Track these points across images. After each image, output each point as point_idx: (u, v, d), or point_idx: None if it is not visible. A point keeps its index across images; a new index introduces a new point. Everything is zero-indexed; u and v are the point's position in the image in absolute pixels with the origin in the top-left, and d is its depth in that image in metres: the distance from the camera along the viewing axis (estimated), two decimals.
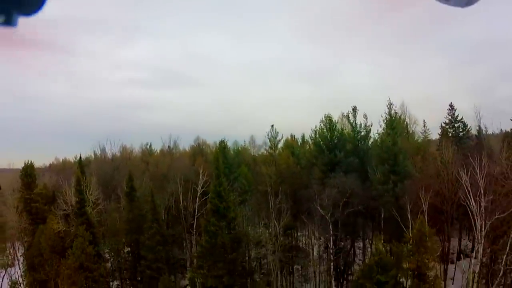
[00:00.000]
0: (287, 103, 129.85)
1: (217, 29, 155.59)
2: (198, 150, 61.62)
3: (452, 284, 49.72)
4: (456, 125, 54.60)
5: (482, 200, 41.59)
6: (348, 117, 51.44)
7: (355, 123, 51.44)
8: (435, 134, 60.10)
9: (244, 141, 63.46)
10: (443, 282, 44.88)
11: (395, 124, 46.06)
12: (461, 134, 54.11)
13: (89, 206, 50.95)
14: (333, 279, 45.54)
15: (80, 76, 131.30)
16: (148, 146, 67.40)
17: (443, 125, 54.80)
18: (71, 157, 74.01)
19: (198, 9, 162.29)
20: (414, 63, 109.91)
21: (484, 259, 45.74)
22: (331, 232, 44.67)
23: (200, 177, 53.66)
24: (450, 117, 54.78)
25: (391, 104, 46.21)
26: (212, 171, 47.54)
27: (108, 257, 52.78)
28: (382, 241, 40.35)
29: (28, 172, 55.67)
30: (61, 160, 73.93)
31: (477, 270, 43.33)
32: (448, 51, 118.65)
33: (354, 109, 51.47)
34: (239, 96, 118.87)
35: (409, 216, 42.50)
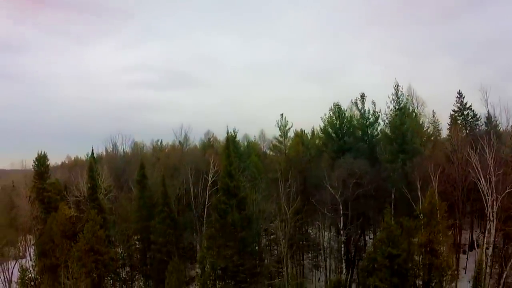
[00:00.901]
0: (295, 103, 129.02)
1: (225, 30, 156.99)
2: (208, 144, 61.69)
3: (465, 273, 48.29)
4: (465, 113, 54.23)
5: (492, 176, 40.86)
6: (356, 104, 51.45)
7: (364, 109, 51.42)
8: (444, 131, 59.22)
9: (254, 136, 63.46)
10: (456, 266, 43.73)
11: (403, 105, 45.87)
12: (470, 120, 53.64)
13: (100, 193, 50.99)
14: (343, 261, 44.65)
15: (91, 78, 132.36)
16: (159, 143, 67.90)
17: (452, 112, 54.51)
18: (82, 155, 74.19)
19: (205, 10, 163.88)
20: (424, 63, 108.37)
21: (496, 243, 44.75)
22: (341, 212, 44.06)
23: (211, 166, 53.55)
24: (458, 104, 54.49)
25: (398, 85, 46.22)
26: (222, 162, 47.34)
27: (118, 244, 52.31)
28: (392, 216, 39.39)
29: (41, 162, 56.02)
30: (72, 158, 74.19)
31: (490, 253, 42.17)
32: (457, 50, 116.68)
33: (362, 96, 51.59)
34: (247, 96, 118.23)
35: (419, 194, 41.77)
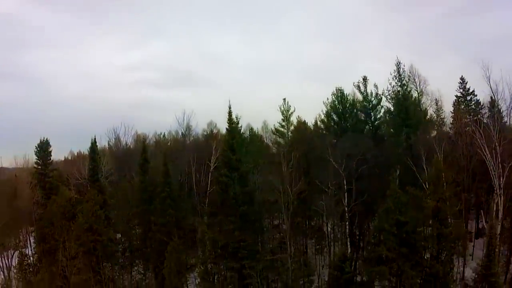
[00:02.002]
0: (300, 101, 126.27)
1: (228, 28, 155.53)
2: (211, 135, 60.24)
3: (472, 259, 45.95)
4: (468, 98, 52.86)
5: (498, 149, 39.11)
6: (359, 87, 50.17)
7: (366, 92, 50.12)
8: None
9: (257, 128, 61.99)
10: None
11: (405, 81, 44.72)
12: (473, 107, 52.18)
13: (102, 175, 49.47)
14: (348, 241, 42.43)
15: (93, 76, 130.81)
16: (162, 136, 66.39)
17: (455, 98, 53.13)
18: (85, 149, 71.70)
19: (209, 9, 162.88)
20: (430, 61, 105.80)
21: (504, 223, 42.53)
22: (345, 187, 42.22)
23: (213, 152, 52.13)
24: (461, 90, 53.16)
25: (400, 63, 45.14)
26: (224, 137, 45.91)
27: (118, 228, 50.13)
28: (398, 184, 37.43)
29: (44, 148, 54.76)
30: (75, 153, 72.37)
31: (498, 232, 39.83)
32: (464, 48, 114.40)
33: (365, 79, 50.25)
34: (251, 95, 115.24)
35: (424, 166, 39.99)
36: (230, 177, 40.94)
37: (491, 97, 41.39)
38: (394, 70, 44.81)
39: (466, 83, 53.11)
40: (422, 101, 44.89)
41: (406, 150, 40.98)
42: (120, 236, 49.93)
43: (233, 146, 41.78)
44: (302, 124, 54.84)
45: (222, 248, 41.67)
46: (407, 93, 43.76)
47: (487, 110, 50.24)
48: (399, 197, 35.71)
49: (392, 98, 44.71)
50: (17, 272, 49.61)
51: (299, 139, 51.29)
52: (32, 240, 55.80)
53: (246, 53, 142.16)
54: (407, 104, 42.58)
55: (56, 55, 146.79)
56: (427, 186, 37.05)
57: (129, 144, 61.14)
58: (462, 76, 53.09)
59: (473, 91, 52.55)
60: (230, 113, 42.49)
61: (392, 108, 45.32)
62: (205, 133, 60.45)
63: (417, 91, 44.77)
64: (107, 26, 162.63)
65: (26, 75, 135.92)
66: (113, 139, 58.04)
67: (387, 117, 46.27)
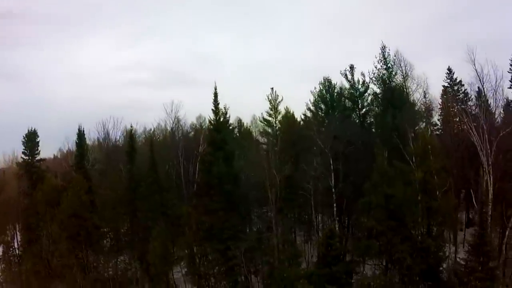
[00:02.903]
0: (293, 102, 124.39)
1: (222, 28, 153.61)
2: (201, 130, 58.92)
3: (463, 247, 44.41)
4: (455, 88, 52.20)
5: (485, 126, 38.09)
6: (346, 75, 49.37)
7: (353, 80, 49.33)
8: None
9: (246, 123, 60.74)
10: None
11: (390, 65, 44.00)
12: (461, 95, 51.43)
13: (88, 163, 48.09)
14: (336, 220, 40.87)
15: (84, 76, 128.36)
16: (151, 131, 64.76)
17: (443, 88, 52.50)
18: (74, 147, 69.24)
19: (202, 8, 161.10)
20: (425, 61, 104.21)
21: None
22: (331, 167, 40.92)
23: (201, 141, 50.96)
24: (449, 80, 52.55)
25: (385, 47, 44.53)
26: (209, 126, 44.67)
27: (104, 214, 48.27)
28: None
29: (31, 138, 53.38)
30: (65, 151, 70.23)
31: (489, 212, 38.43)
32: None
33: (352, 67, 49.45)
34: (245, 95, 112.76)
35: (411, 144, 38.70)
36: (215, 155, 39.68)
37: (477, 75, 40.42)
38: (379, 54, 44.22)
39: (453, 74, 52.60)
40: (408, 85, 43.98)
41: (393, 129, 39.85)
42: (105, 223, 48.00)
43: (218, 125, 40.68)
44: (290, 116, 53.83)
45: (207, 230, 40.18)
46: (392, 75, 43.02)
47: (473, 96, 49.28)
48: (386, 171, 34.57)
49: (377, 80, 43.95)
50: (1, 263, 47.89)
51: (287, 128, 50.32)
52: (18, 235, 53.90)
53: (239, 54, 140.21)
54: (392, 85, 41.86)
55: (47, 55, 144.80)
56: (413, 160, 35.74)
57: (118, 139, 59.31)
58: (449, 66, 52.65)
59: (460, 81, 51.96)
60: (215, 94, 41.48)
61: (378, 90, 44.54)
62: (193, 126, 59.14)
63: (402, 75, 43.92)
64: (99, 26, 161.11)
65: (16, 75, 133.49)
66: (102, 133, 56.47)
67: (373, 100, 45.41)
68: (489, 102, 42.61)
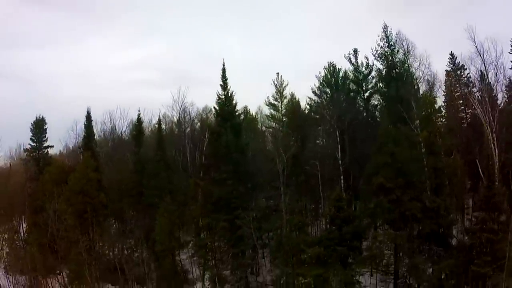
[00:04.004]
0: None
1: (228, 28, 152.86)
2: (207, 123, 59.22)
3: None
4: (458, 72, 52.67)
5: (487, 99, 38.44)
6: (349, 58, 50.14)
7: (357, 63, 50.06)
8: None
9: (252, 113, 60.97)
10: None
11: (392, 42, 44.58)
12: (464, 80, 51.86)
13: (96, 145, 48.38)
14: (343, 186, 40.59)
15: (90, 75, 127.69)
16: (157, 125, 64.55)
17: (445, 72, 52.90)
18: None
19: (208, 7, 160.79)
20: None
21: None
22: (338, 139, 41.13)
23: (206, 139, 51.16)
24: (452, 65, 53.10)
25: (386, 26, 45.25)
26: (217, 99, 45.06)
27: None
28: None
29: (39, 125, 53.83)
30: (71, 147, 69.93)
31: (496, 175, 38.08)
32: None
33: (355, 51, 50.33)
34: (250, 95, 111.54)
35: (414, 107, 38.58)
36: (223, 127, 39.98)
37: (477, 50, 41.05)
38: (381, 32, 44.90)
39: (455, 58, 53.17)
40: (410, 61, 44.45)
41: (397, 101, 40.06)
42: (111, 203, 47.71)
43: (226, 99, 41.14)
44: (296, 102, 54.32)
45: (214, 203, 39.97)
46: (395, 52, 43.62)
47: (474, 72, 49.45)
48: (391, 131, 34.76)
49: (380, 56, 44.52)
50: (7, 246, 47.54)
51: (292, 112, 50.73)
52: (24, 222, 53.65)
53: (245, 53, 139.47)
54: (394, 60, 42.44)
55: (52, 55, 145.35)
56: (418, 123, 35.81)
57: (125, 130, 59.41)
58: (451, 52, 53.24)
59: (462, 65, 52.40)
60: (224, 70, 41.96)
61: (381, 67, 45.06)
62: (201, 114, 59.59)
63: (404, 53, 44.43)
64: (104, 25, 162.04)
65: (22, 75, 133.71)
66: (109, 124, 56.85)
67: (376, 77, 45.91)
68: (489, 75, 43.23)
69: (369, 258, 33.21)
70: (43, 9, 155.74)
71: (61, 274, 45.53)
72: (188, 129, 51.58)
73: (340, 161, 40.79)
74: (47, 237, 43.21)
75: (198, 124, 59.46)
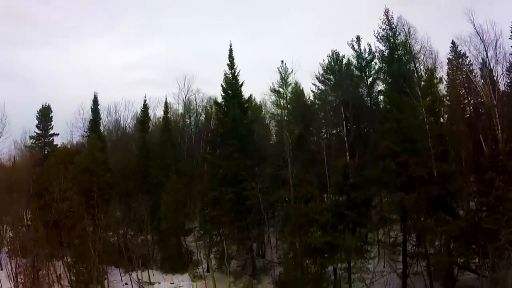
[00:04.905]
0: None
1: (229, 28, 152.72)
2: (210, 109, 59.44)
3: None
4: (460, 61, 53.54)
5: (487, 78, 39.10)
6: (352, 45, 51.20)
7: (360, 50, 51.09)
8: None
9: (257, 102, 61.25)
10: None
11: (394, 26, 45.61)
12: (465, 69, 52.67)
13: (102, 129, 48.78)
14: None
15: (90, 75, 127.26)
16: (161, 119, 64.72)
17: (447, 59, 53.76)
18: None
19: (209, 7, 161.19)
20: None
21: None
22: (343, 115, 41.64)
23: (213, 116, 51.85)
24: (453, 53, 53.99)
25: (388, 10, 46.34)
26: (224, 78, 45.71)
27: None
28: None
29: (45, 112, 54.24)
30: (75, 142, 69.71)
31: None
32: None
33: (358, 38, 51.46)
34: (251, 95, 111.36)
35: (415, 78, 39.08)
36: (230, 103, 40.54)
37: (476, 31, 42.06)
38: (383, 16, 46.01)
39: (457, 47, 54.13)
40: (411, 42, 45.43)
41: (399, 78, 40.78)
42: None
43: (233, 77, 41.80)
44: (300, 91, 55.07)
45: (221, 178, 40.16)
46: (396, 34, 44.64)
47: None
48: (396, 99, 35.36)
49: (381, 38, 45.51)
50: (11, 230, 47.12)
51: (296, 99, 51.39)
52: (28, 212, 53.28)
53: (245, 52, 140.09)
54: (396, 42, 43.43)
55: (52, 54, 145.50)
56: (419, 93, 36.31)
57: (130, 122, 59.63)
58: (453, 40, 54.21)
59: (464, 53, 53.35)
60: (231, 50, 42.68)
61: (383, 48, 45.98)
62: (206, 106, 60.00)
63: (405, 36, 45.43)
64: (104, 25, 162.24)
65: (22, 74, 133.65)
66: (114, 117, 57.18)
67: (379, 58, 46.89)
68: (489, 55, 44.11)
69: (379, 221, 33.11)
70: (43, 9, 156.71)
71: (65, 257, 45.02)
72: (193, 117, 51.90)
73: (345, 138, 41.09)
74: (51, 215, 42.76)
75: (203, 115, 59.97)
